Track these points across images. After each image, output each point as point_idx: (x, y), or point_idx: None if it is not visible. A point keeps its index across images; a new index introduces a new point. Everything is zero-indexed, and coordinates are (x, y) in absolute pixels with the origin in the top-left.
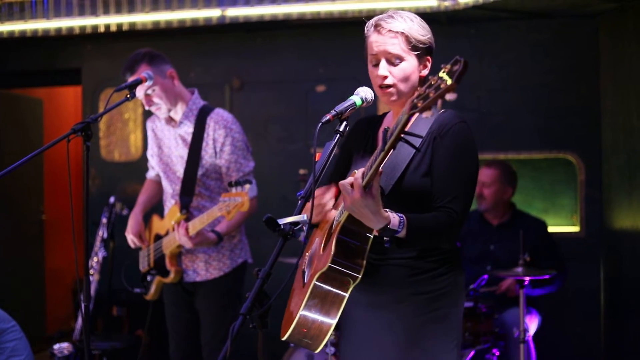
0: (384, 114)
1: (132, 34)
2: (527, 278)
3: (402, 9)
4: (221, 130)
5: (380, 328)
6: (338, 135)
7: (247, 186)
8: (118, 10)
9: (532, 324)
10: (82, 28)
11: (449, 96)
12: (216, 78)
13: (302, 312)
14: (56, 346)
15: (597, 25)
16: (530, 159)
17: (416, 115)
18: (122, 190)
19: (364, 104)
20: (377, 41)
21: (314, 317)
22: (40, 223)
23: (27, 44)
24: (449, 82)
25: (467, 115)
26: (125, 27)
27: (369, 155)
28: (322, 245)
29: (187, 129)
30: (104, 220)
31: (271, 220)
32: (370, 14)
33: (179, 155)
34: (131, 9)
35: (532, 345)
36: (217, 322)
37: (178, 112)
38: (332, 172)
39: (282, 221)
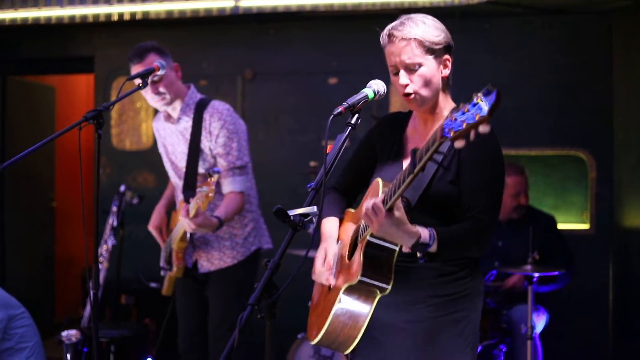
0: (410, 112)
1: (146, 23)
2: (536, 275)
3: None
4: (216, 122)
5: (397, 328)
6: (350, 127)
7: (216, 176)
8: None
9: (540, 322)
10: (96, 16)
11: (483, 128)
12: (229, 68)
13: (330, 320)
14: (64, 333)
15: (611, 22)
16: (541, 156)
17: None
18: (132, 179)
19: (377, 97)
20: (392, 52)
21: (342, 325)
22: (51, 210)
23: (41, 32)
24: (484, 113)
25: None
26: (138, 16)
27: (393, 160)
28: (348, 252)
29: (186, 125)
30: (114, 208)
31: (281, 211)
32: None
33: (182, 152)
34: None
35: (538, 342)
36: (225, 310)
37: (176, 109)
38: (356, 168)
39: (292, 212)
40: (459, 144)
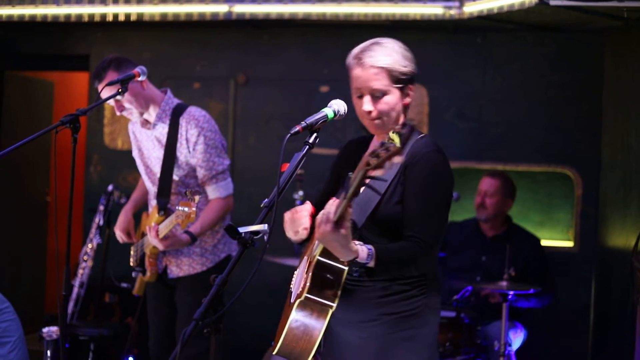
0: (372, 136)
1: (141, 24)
2: (511, 292)
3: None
4: (193, 129)
5: (354, 344)
6: (307, 146)
7: (197, 197)
8: (127, 1)
9: (517, 338)
10: (91, 16)
11: (397, 159)
12: (222, 72)
13: (286, 332)
14: (45, 329)
15: (603, 42)
16: (528, 172)
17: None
18: (123, 178)
19: (337, 117)
20: (360, 76)
21: (297, 338)
22: (44, 205)
23: (38, 28)
24: (397, 145)
25: (468, 124)
26: (133, 18)
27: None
28: (306, 269)
29: (162, 131)
30: (101, 207)
31: (231, 228)
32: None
33: (157, 157)
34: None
35: (514, 359)
36: (192, 316)
37: (152, 115)
38: (323, 193)
39: (243, 230)
40: (379, 172)
